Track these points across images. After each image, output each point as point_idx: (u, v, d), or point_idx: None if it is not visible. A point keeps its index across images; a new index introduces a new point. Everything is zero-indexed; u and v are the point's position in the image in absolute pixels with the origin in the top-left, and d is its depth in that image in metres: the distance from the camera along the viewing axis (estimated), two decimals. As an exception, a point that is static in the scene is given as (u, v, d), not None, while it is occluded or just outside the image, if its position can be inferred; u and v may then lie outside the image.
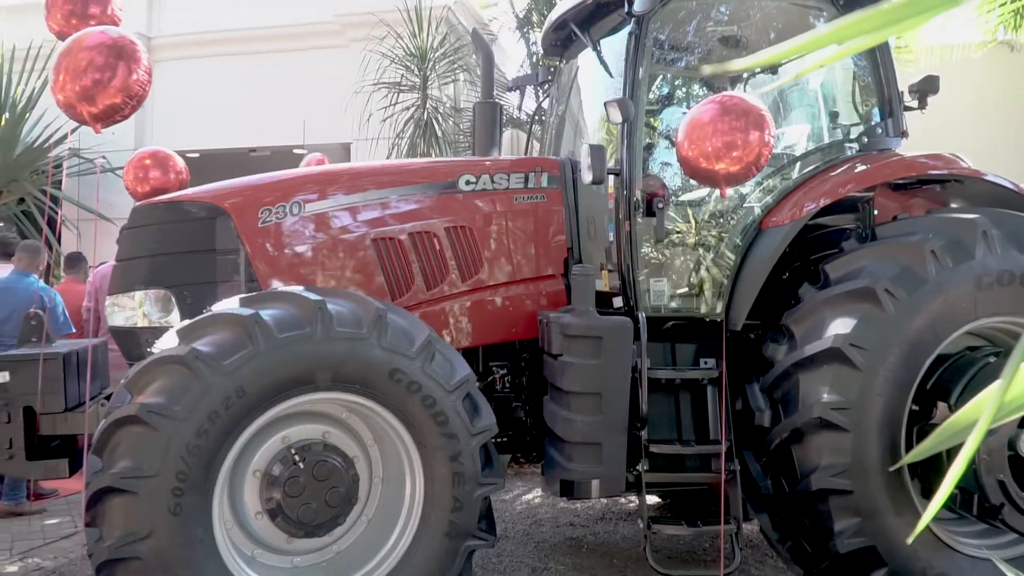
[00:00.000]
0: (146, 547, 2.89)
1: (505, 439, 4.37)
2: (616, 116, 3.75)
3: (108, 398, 3.97)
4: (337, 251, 3.98)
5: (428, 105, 8.73)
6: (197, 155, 11.55)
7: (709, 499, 4.30)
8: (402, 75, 8.82)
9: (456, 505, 3.36)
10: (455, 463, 3.35)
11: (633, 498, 5.98)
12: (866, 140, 4.53)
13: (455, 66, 9.15)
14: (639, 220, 4.11)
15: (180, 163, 8.02)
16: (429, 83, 8.82)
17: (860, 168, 4.21)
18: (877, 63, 4.55)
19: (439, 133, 8.66)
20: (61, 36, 4.35)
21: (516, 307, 4.30)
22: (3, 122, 9.79)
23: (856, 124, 4.74)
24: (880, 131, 4.52)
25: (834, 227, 4.33)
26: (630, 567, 4.77)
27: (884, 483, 3.63)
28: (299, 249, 3.93)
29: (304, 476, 3.25)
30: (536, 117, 6.00)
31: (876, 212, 4.19)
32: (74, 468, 3.91)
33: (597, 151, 3.78)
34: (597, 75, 4.55)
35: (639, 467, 3.91)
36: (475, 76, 9.23)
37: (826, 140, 4.75)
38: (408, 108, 8.69)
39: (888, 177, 4.20)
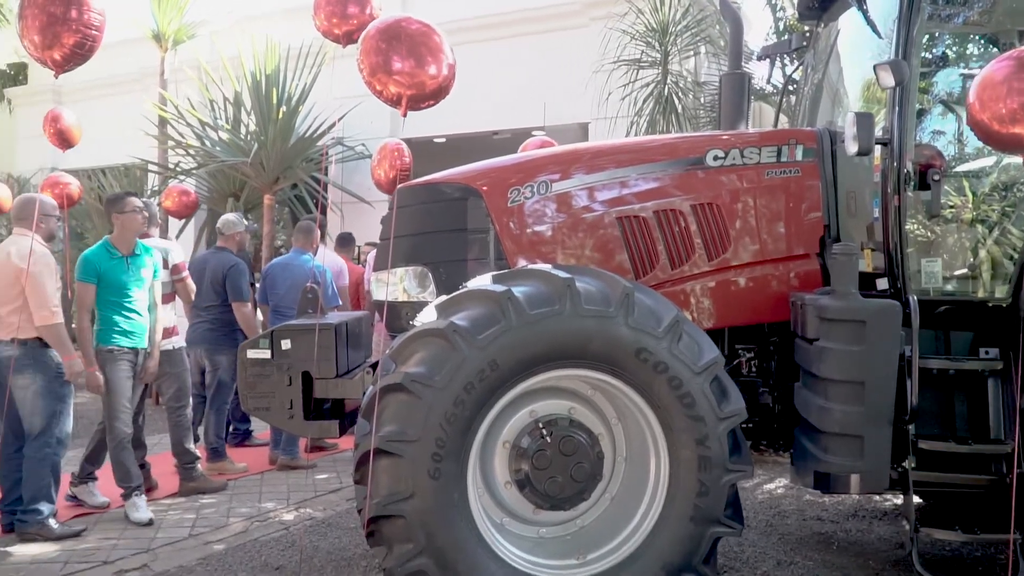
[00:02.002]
0: (409, 507, 3.09)
1: (751, 425, 4.19)
2: (888, 80, 3.42)
3: (373, 367, 4.31)
4: (582, 229, 3.99)
5: (668, 80, 8.54)
6: (443, 140, 12.20)
7: (982, 503, 3.86)
8: (642, 51, 8.68)
9: (702, 489, 3.28)
10: (701, 447, 3.27)
11: (889, 496, 5.54)
12: None
13: (697, 39, 8.86)
14: (909, 194, 3.73)
15: (407, 152, 8.58)
16: (670, 58, 8.61)
17: None
18: None
19: (679, 109, 8.45)
20: (326, 34, 4.75)
21: (764, 288, 4.09)
22: (281, 115, 10.88)
23: None
24: None
25: None
26: (887, 570, 4.41)
27: None
28: (545, 227, 3.99)
29: (551, 450, 3.32)
30: (788, 87, 5.65)
31: None
32: (343, 429, 4.30)
33: (864, 119, 3.47)
34: (861, 37, 4.18)
35: (905, 464, 3.59)
36: (718, 48, 8.88)
37: None
38: (648, 84, 8.55)
39: None
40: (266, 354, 4.08)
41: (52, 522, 4.83)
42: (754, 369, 4.25)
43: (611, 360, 3.25)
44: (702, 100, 9.04)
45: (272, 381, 4.04)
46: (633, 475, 3.53)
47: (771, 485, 6.18)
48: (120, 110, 13.24)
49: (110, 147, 10.97)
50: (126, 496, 5.23)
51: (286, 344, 4.09)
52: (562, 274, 3.27)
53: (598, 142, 4.76)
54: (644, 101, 8.53)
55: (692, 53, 9.19)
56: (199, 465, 5.99)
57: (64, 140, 8.18)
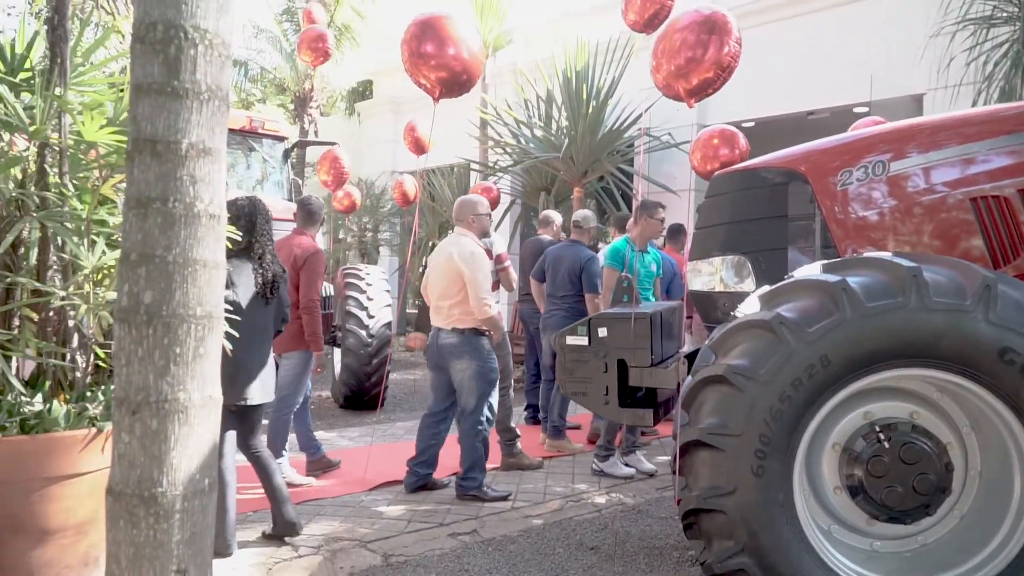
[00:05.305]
0: (730, 502, 2.98)
1: None
2: None
3: (687, 357, 4.26)
4: (925, 213, 3.58)
5: (1031, 37, 7.36)
6: (752, 124, 11.72)
7: None
8: (994, 6, 7.58)
9: (1084, 517, 2.79)
10: (1083, 466, 2.78)
11: None
12: None
13: (1070, -16, 7.54)
14: None
15: (743, 140, 8.24)
16: (1033, 10, 7.42)
17: None
18: None
19: (1045, 69, 7.25)
20: (634, 27, 4.72)
21: None
22: (590, 110, 11.19)
23: None
24: None
25: None
26: None
27: None
28: (881, 212, 3.64)
29: (889, 457, 3.02)
30: None
31: None
32: (657, 418, 4.30)
33: None
34: None
35: None
36: (1097, -6, 7.49)
37: None
38: (1001, 44, 7.44)
39: None
40: (584, 341, 4.20)
41: (485, 487, 5.49)
42: None
43: (966, 360, 2.87)
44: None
45: (589, 367, 4.16)
46: (990, 492, 3.09)
47: None
48: (447, 115, 14.46)
49: (439, 149, 11.99)
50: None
51: (603, 332, 4.19)
52: (906, 263, 2.94)
53: (937, 115, 4.21)
54: (996, 64, 7.45)
55: (1062, 2, 7.84)
56: (519, 443, 6.37)
57: (419, 147, 9.16)
